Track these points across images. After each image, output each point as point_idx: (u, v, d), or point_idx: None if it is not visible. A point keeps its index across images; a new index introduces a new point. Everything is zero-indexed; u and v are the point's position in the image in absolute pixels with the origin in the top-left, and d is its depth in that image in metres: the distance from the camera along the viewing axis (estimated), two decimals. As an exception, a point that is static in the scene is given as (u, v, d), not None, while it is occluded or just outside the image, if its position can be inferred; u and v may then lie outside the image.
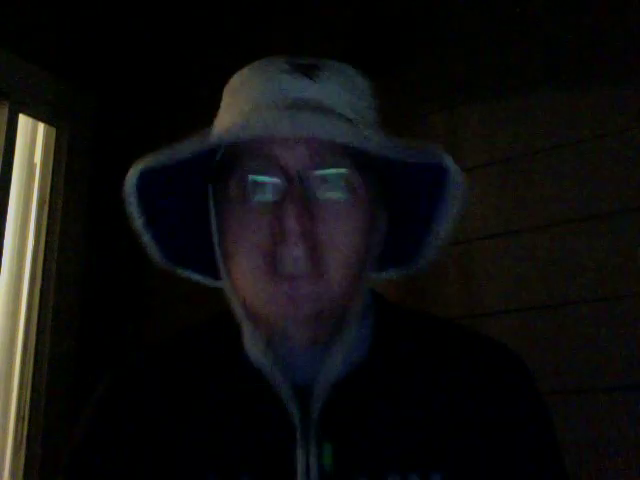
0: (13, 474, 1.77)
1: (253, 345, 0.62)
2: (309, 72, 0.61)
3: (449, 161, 0.59)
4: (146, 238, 0.66)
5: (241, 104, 0.60)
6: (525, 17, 1.62)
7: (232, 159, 0.59)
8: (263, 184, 0.56)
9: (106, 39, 2.23)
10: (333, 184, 0.56)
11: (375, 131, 0.60)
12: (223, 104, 0.65)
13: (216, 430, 0.59)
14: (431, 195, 0.61)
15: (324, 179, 0.56)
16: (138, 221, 0.64)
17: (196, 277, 0.70)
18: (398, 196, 0.63)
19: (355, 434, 0.58)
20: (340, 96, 0.58)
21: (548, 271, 1.45)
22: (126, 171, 0.64)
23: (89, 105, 2.11)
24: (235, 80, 0.64)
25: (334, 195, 0.56)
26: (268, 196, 0.56)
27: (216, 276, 0.66)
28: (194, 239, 0.65)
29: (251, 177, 0.57)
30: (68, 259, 1.95)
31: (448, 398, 0.60)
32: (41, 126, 2.04)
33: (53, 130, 2.03)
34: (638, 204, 1.39)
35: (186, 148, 0.57)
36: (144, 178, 0.61)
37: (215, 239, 0.62)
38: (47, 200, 1.97)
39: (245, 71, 0.64)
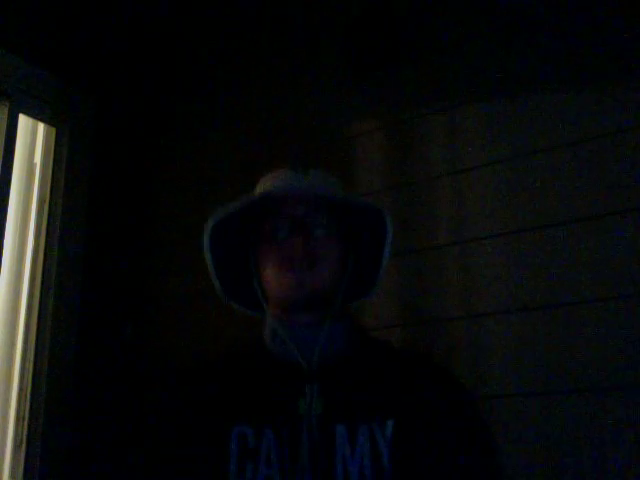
0: (13, 474, 1.77)
1: (269, 336, 1.01)
2: (304, 170, 1.03)
3: (386, 211, 1.00)
4: (215, 278, 1.03)
5: (265, 186, 1.04)
6: (525, 17, 1.62)
7: (264, 216, 1.02)
8: (282, 227, 0.99)
9: (106, 40, 2.23)
10: (319, 226, 0.99)
11: (341, 191, 1.04)
12: (255, 191, 1.07)
13: (249, 400, 0.95)
14: (376, 242, 1.03)
15: (314, 223, 0.99)
16: (211, 265, 1.02)
17: (239, 307, 1.08)
18: (357, 244, 1.05)
19: (337, 396, 0.93)
20: (322, 180, 1.03)
21: (548, 271, 1.45)
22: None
23: (89, 105, 2.11)
24: (262, 180, 1.07)
25: (319, 231, 0.99)
26: (284, 233, 0.99)
27: (251, 308, 1.08)
28: (239, 281, 1.06)
29: (275, 224, 1.00)
30: (68, 259, 1.95)
31: (397, 380, 0.96)
32: (41, 126, 2.04)
33: (53, 130, 2.03)
34: (638, 204, 1.39)
35: (234, 205, 0.99)
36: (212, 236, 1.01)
37: (252, 265, 1.04)
38: (47, 200, 1.97)
39: (268, 175, 1.07)
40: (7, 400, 1.83)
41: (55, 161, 2.01)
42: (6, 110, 1.87)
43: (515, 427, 1.40)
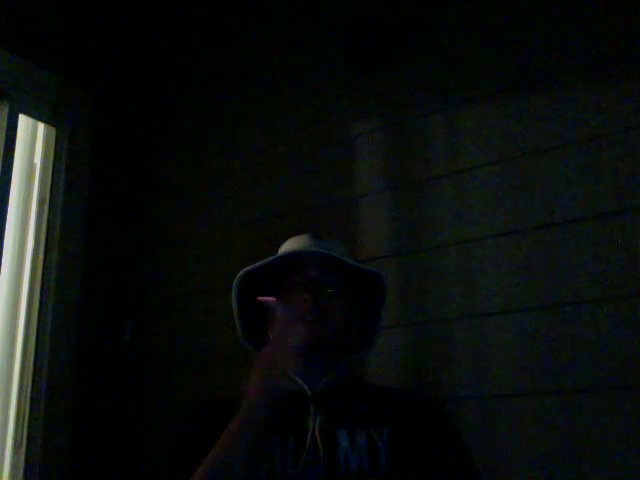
0: (13, 474, 1.77)
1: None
2: (319, 237, 1.22)
3: (383, 275, 1.18)
4: (238, 321, 1.19)
5: (287, 248, 1.22)
6: (524, 17, 1.62)
7: (284, 274, 1.17)
8: (298, 284, 1.14)
9: (106, 39, 2.23)
10: (329, 286, 1.14)
11: (349, 258, 1.19)
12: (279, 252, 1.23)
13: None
14: (374, 299, 1.22)
15: (325, 283, 1.14)
16: (236, 310, 1.18)
17: (252, 348, 1.22)
18: (361, 301, 1.22)
19: (338, 412, 1.10)
20: (333, 246, 1.20)
21: (548, 271, 1.45)
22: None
23: (89, 105, 2.11)
24: (285, 243, 1.25)
25: (329, 290, 1.14)
26: (300, 289, 1.13)
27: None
28: (254, 325, 1.23)
29: (293, 281, 1.15)
30: (68, 259, 1.95)
31: (389, 402, 1.14)
32: (41, 126, 2.04)
33: (53, 130, 2.03)
34: (638, 204, 1.39)
35: (259, 263, 1.16)
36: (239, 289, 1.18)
37: (269, 316, 1.18)
38: (47, 200, 1.97)
39: (289, 239, 1.25)
40: (7, 400, 1.83)
41: (55, 161, 2.01)
42: (6, 110, 1.88)
43: (515, 427, 1.40)
